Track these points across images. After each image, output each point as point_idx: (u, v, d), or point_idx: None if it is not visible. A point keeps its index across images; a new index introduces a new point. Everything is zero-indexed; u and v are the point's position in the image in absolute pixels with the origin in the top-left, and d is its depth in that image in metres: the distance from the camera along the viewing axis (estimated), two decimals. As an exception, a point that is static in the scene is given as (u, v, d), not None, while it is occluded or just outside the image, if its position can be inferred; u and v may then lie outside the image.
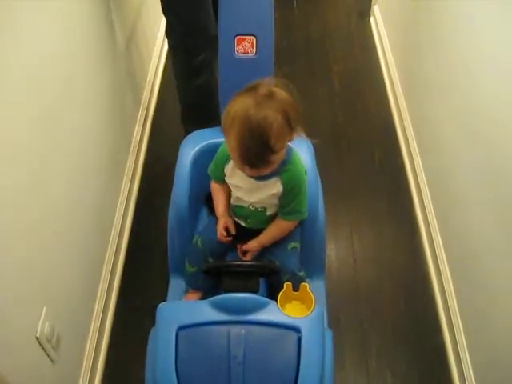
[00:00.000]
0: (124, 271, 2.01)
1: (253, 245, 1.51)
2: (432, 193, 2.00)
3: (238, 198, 1.49)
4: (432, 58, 2.00)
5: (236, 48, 1.51)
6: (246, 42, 1.51)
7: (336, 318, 1.80)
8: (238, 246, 1.54)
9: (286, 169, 1.39)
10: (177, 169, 1.59)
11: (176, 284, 1.68)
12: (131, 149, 2.27)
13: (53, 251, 1.48)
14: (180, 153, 1.60)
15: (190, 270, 1.58)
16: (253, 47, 1.51)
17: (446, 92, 1.81)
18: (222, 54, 1.54)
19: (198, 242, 1.56)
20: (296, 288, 1.40)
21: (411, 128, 2.27)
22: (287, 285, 1.38)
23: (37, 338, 1.36)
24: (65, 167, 1.55)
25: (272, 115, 1.23)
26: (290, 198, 1.43)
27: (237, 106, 1.26)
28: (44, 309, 1.40)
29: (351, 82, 2.77)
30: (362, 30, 3.15)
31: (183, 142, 1.64)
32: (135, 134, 2.34)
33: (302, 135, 1.34)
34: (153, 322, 1.37)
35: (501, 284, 1.42)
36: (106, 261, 1.90)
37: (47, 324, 1.41)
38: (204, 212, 1.67)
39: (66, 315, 1.58)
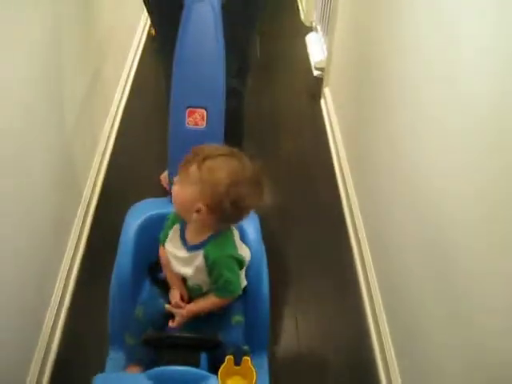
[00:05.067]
0: (57, 357, 1.84)
1: (181, 312, 1.48)
2: (376, 269, 2.02)
3: (175, 269, 1.49)
4: (378, 137, 2.06)
5: (187, 120, 1.54)
6: (196, 115, 1.53)
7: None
8: (167, 306, 1.50)
9: (210, 242, 1.41)
10: (121, 238, 1.57)
11: (115, 358, 1.62)
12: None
13: None
14: (125, 222, 1.59)
15: (130, 342, 1.54)
16: (203, 119, 1.53)
17: (393, 170, 1.86)
18: (172, 124, 1.56)
19: (140, 313, 1.52)
20: (238, 362, 1.37)
21: (359, 211, 2.31)
22: (229, 358, 1.35)
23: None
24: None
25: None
26: (215, 275, 1.42)
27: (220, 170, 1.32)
28: None
29: (300, 161, 2.80)
30: (313, 110, 3.22)
31: (128, 212, 1.63)
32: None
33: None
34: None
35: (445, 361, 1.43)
36: (39, 345, 1.74)
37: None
38: (147, 283, 1.64)
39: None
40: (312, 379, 1.84)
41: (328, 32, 3.33)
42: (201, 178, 1.31)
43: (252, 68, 2.23)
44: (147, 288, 1.61)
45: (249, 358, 1.36)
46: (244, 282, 1.53)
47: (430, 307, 1.50)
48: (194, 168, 1.32)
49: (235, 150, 1.38)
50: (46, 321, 1.80)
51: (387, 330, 1.85)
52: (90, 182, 2.39)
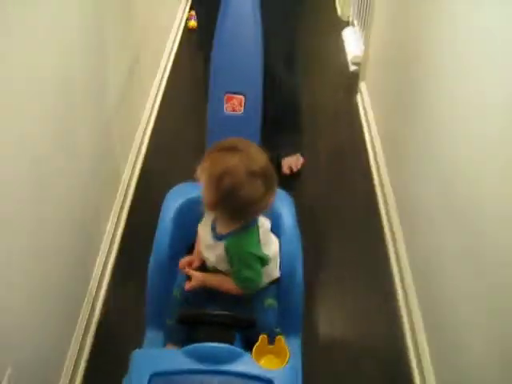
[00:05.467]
0: (97, 331, 1.95)
1: (197, 276, 1.51)
2: (411, 267, 2.03)
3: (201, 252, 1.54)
4: (416, 134, 2.06)
5: (225, 106, 1.58)
6: (234, 101, 1.57)
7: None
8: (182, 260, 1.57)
9: (233, 236, 1.43)
10: (159, 221, 1.61)
11: (152, 337, 1.67)
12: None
13: (21, 310, 1.44)
14: (163, 205, 1.63)
15: (168, 322, 1.58)
16: (241, 106, 1.57)
17: (429, 163, 1.86)
18: (211, 110, 1.60)
19: (178, 294, 1.57)
20: (271, 342, 1.40)
21: (395, 207, 2.31)
22: (262, 337, 1.38)
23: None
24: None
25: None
26: (235, 269, 1.45)
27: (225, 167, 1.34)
28: (8, 370, 1.34)
29: (337, 153, 2.82)
30: (349, 105, 3.23)
31: (167, 195, 1.67)
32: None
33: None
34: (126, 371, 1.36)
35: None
36: (80, 317, 1.85)
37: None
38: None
39: (34, 378, 1.51)
40: (347, 367, 1.87)
41: (365, 27, 3.34)
42: (201, 175, 1.36)
43: (300, 58, 2.26)
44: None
45: (282, 338, 1.39)
46: (276, 274, 1.56)
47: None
48: (200, 167, 1.37)
49: (241, 143, 1.38)
50: (86, 296, 1.89)
51: (421, 324, 1.85)
52: (129, 165, 2.48)
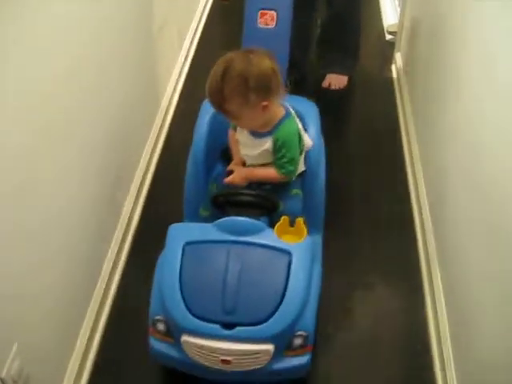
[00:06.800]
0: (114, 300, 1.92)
1: (239, 169, 1.70)
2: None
3: (242, 152, 1.71)
4: (450, 109, 1.96)
5: (259, 20, 1.76)
6: (267, 16, 1.76)
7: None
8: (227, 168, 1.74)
9: (278, 129, 1.60)
10: (197, 123, 1.79)
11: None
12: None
13: (30, 281, 1.38)
14: (201, 109, 1.81)
15: (204, 213, 1.77)
16: (273, 20, 1.76)
17: (457, 139, 1.81)
18: (246, 24, 1.79)
19: (213, 188, 1.75)
20: (292, 224, 1.58)
21: (420, 164, 2.29)
22: (284, 218, 1.57)
23: (1, 379, 1.24)
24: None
25: (232, 70, 1.47)
26: (280, 154, 1.62)
27: (223, 56, 1.52)
28: (15, 345, 1.30)
29: (368, 121, 2.76)
30: (383, 75, 3.08)
31: (205, 102, 1.84)
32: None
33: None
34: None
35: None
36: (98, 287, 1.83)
37: (16, 363, 1.29)
38: (219, 166, 1.86)
39: (40, 354, 1.47)
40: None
41: None
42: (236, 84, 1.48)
43: None
44: (220, 169, 1.83)
45: (301, 219, 1.57)
46: (302, 167, 1.73)
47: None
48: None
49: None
50: (106, 261, 1.91)
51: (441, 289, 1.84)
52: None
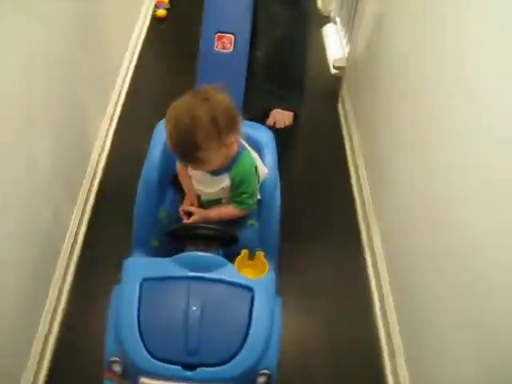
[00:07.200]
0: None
1: (199, 211, 1.64)
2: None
3: (196, 188, 1.66)
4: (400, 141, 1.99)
5: (216, 44, 1.70)
6: (225, 39, 1.70)
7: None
8: (181, 207, 1.68)
9: (234, 165, 1.55)
10: (150, 146, 1.72)
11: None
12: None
13: None
14: (154, 132, 1.74)
15: (155, 243, 1.71)
16: (230, 44, 1.70)
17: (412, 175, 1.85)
18: (202, 48, 1.73)
19: (163, 216, 1.70)
20: (252, 257, 1.55)
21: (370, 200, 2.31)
22: (244, 252, 1.53)
23: None
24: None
25: (201, 117, 1.37)
26: (240, 191, 1.59)
27: (176, 104, 1.42)
28: None
29: (315, 165, 2.71)
30: (329, 114, 3.02)
31: (158, 125, 1.77)
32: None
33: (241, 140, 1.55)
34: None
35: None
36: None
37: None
38: (171, 193, 1.80)
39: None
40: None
41: (350, 26, 3.06)
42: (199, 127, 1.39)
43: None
44: (170, 197, 1.77)
45: (262, 253, 1.53)
46: (258, 196, 1.70)
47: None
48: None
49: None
50: (63, 247, 2.03)
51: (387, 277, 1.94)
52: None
